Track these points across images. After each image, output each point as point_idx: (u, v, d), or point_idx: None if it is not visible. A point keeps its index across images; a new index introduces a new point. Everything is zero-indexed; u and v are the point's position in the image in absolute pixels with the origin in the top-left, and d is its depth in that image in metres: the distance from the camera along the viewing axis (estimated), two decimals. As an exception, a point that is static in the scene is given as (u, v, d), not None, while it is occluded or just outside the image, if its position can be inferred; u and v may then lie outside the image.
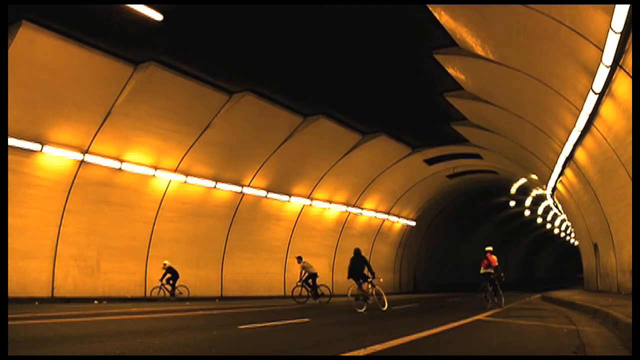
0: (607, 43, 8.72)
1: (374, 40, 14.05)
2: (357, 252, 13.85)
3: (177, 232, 19.96)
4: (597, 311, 9.70)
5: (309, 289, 18.48)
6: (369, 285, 13.33)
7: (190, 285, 20.28)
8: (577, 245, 31.24)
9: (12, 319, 8.05)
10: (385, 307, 13.37)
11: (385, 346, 6.14)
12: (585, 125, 12.93)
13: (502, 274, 15.18)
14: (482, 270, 15.10)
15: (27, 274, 15.34)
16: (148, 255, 18.95)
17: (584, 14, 9.05)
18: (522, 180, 33.36)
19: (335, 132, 21.72)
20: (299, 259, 19.00)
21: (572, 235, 46.64)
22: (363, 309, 12.82)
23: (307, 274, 18.51)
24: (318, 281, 18.77)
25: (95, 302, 16.19)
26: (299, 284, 18.56)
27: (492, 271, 14.89)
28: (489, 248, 15.54)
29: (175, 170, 18.99)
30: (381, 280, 14.77)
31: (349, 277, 13.53)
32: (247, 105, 17.96)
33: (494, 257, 15.13)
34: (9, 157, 14.32)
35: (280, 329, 8.79)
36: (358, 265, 13.48)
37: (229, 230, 22.01)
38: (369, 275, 13.37)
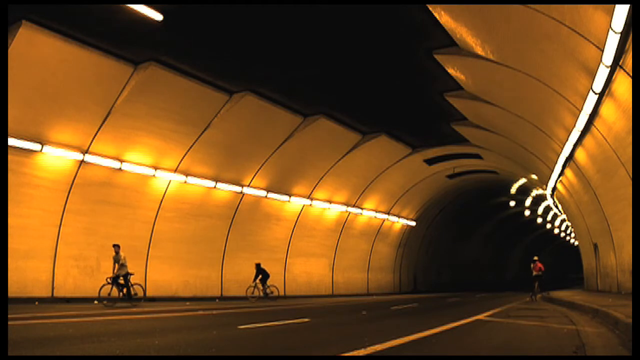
0: (607, 43, 8.72)
1: (374, 40, 14.04)
2: (259, 265, 20.91)
3: (177, 232, 19.96)
4: (597, 311, 9.70)
5: (119, 287, 15.11)
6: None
7: (190, 285, 20.28)
8: (577, 245, 31.25)
9: (12, 319, 8.05)
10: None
11: (385, 346, 6.13)
12: (585, 125, 12.93)
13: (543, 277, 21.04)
14: (534, 273, 20.97)
15: (27, 274, 15.33)
16: (148, 255, 18.94)
17: (584, 14, 9.05)
18: (522, 180, 33.35)
19: (335, 132, 21.72)
20: (116, 247, 15.44)
21: (572, 235, 46.65)
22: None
23: (120, 270, 15.19)
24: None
25: (95, 302, 16.19)
26: (109, 280, 14.91)
27: (540, 274, 20.69)
28: (536, 258, 21.39)
29: (175, 170, 18.99)
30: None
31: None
32: (247, 105, 17.96)
33: (541, 264, 20.96)
34: (9, 157, 14.31)
35: (280, 329, 8.79)
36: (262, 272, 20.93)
37: (229, 230, 22.01)
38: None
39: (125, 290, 15.30)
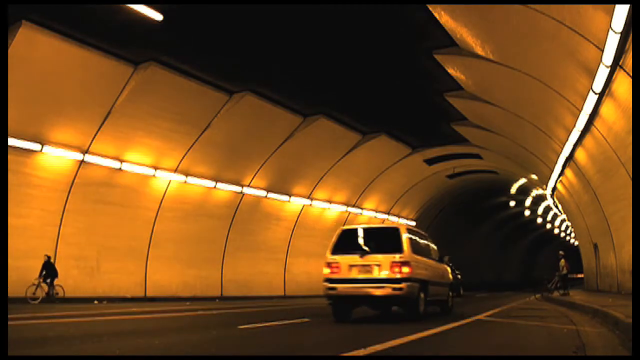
0: (607, 43, 8.72)
1: (374, 40, 14.05)
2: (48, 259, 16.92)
3: (177, 232, 19.96)
4: (597, 311, 9.69)
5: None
6: None
7: (190, 285, 20.25)
8: (577, 245, 31.25)
9: (12, 319, 8.04)
10: None
11: (386, 346, 6.12)
12: (585, 125, 12.93)
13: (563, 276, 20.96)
14: (564, 272, 20.70)
15: (27, 274, 15.33)
16: (148, 255, 18.94)
17: (584, 14, 9.06)
18: (522, 180, 33.35)
19: (335, 132, 21.72)
20: None
21: (572, 235, 46.65)
22: None
23: None
24: None
25: (95, 302, 16.18)
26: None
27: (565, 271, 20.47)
28: (562, 252, 21.21)
29: (175, 170, 18.98)
30: None
31: None
32: (247, 105, 17.96)
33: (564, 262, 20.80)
34: (9, 157, 14.32)
35: (280, 329, 8.78)
36: None
37: (229, 230, 22.00)
38: None
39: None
